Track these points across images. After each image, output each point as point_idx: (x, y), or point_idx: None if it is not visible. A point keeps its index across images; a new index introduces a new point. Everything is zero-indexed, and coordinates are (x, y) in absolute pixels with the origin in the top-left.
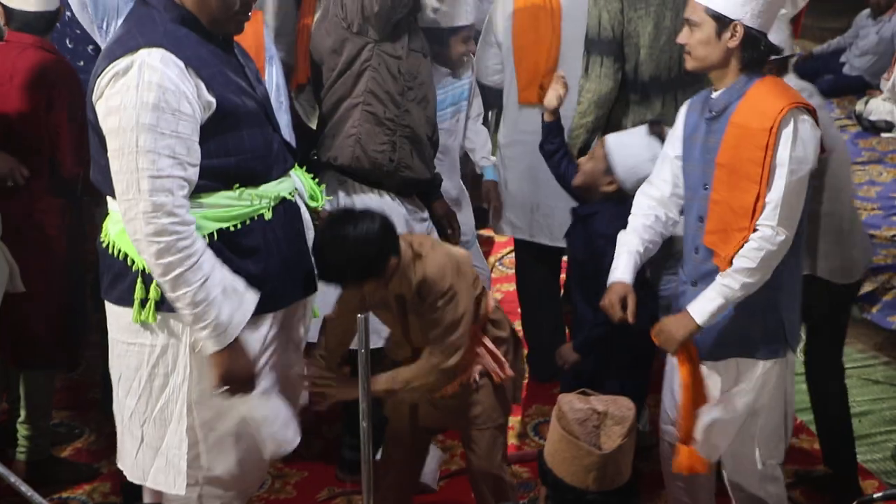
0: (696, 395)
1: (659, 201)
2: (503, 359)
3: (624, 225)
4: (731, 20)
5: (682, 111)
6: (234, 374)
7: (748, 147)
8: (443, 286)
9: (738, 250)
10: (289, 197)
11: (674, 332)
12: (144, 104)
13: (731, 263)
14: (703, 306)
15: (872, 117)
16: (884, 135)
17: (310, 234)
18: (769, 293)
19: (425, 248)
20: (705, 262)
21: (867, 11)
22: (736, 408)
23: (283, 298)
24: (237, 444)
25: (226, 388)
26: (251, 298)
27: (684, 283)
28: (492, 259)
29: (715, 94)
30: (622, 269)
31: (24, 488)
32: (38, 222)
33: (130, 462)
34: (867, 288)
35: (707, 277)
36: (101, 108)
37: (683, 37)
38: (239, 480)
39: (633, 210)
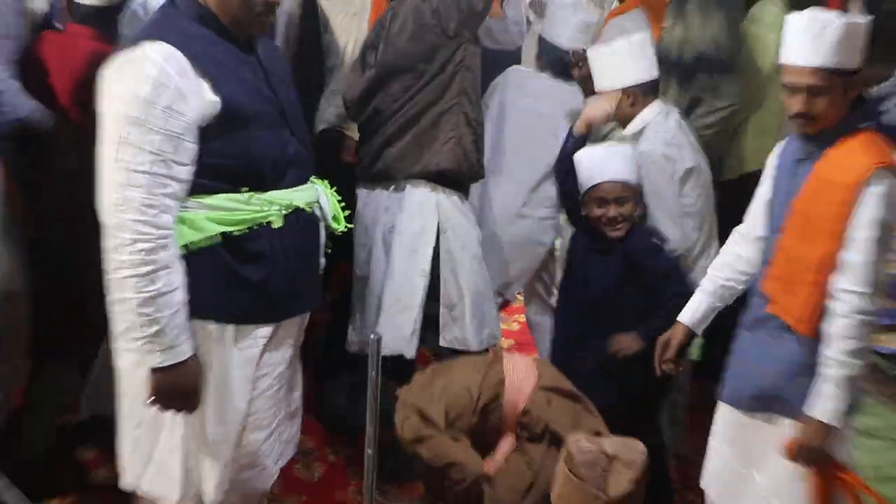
0: None
1: (744, 238)
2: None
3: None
4: (854, 70)
5: (776, 151)
6: (173, 392)
7: (827, 199)
8: None
9: (806, 309)
10: (305, 208)
11: (815, 445)
12: (136, 96)
13: (806, 325)
14: (828, 406)
15: None
16: None
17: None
18: None
19: None
20: (760, 308)
21: None
22: None
23: (283, 311)
24: (232, 464)
25: (157, 401)
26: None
27: (740, 327)
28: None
29: (805, 138)
30: (686, 309)
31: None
32: None
33: (126, 466)
34: None
35: (760, 325)
36: (102, 93)
37: (800, 106)
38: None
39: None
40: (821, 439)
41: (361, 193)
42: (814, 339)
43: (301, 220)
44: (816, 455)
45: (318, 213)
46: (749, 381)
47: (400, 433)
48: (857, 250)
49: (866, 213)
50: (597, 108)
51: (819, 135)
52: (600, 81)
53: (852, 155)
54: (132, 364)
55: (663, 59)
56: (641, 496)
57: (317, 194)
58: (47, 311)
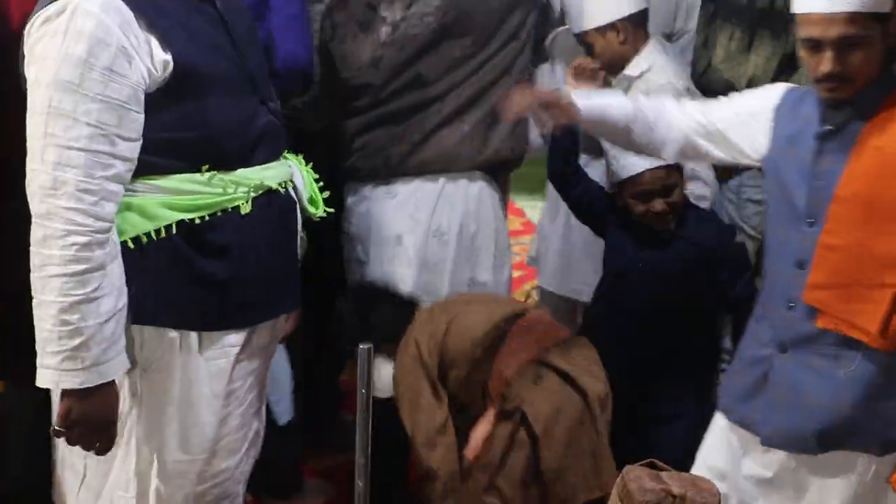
0: None
1: (688, 114)
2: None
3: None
4: (889, 13)
5: (775, 96)
6: (88, 423)
7: None
8: None
9: (880, 318)
10: (278, 189)
11: None
12: (68, 56)
13: (884, 337)
14: None
15: None
16: None
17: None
18: None
19: None
20: (805, 323)
21: None
22: None
23: (256, 314)
24: (197, 499)
25: (66, 433)
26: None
27: (766, 346)
28: (527, 286)
29: (831, 105)
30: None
31: None
32: None
33: (70, 502)
34: None
35: (807, 344)
36: (28, 54)
37: (831, 66)
38: None
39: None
40: None
41: (371, 190)
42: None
43: (274, 203)
44: None
45: (292, 194)
46: (810, 416)
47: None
48: None
49: None
50: (578, 73)
51: (856, 98)
52: (584, 22)
53: None
54: (52, 384)
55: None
56: None
57: (290, 172)
58: None
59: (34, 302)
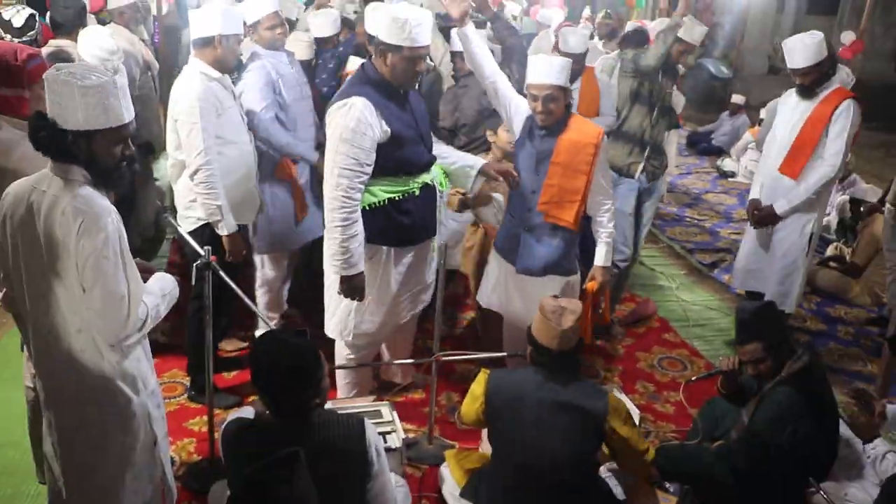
0: None
1: None
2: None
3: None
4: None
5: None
6: (352, 288)
7: None
8: None
9: (574, 215)
10: (430, 182)
11: None
12: (346, 127)
13: (572, 224)
14: None
15: (725, 168)
16: (729, 178)
17: (439, 203)
18: None
19: None
20: (537, 217)
21: (727, 111)
22: None
23: (419, 238)
24: (381, 327)
25: (345, 293)
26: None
27: (517, 228)
28: None
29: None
30: None
31: None
32: None
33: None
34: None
35: (537, 227)
36: (329, 124)
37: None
38: None
39: None
40: None
41: None
42: (575, 231)
43: (427, 189)
44: None
45: (435, 184)
46: (538, 259)
47: None
48: None
49: None
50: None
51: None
52: None
53: None
54: (338, 273)
55: None
56: (578, 329)
57: (436, 175)
58: None
59: (332, 241)
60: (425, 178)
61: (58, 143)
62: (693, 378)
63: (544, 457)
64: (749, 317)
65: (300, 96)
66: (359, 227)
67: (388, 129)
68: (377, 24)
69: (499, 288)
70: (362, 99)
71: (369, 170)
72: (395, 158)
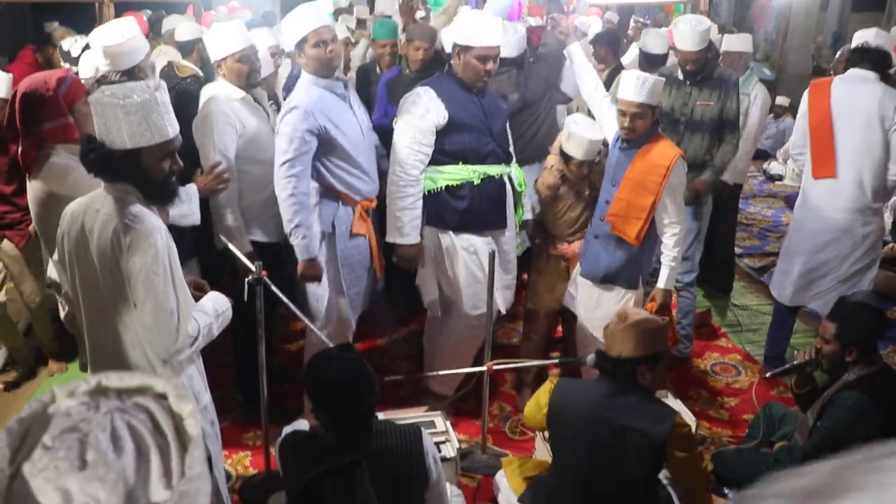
0: None
1: None
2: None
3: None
4: None
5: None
6: (405, 258)
7: None
8: None
9: (637, 232)
10: (495, 175)
11: None
12: (413, 113)
13: (635, 239)
14: None
15: (772, 172)
16: (777, 182)
17: (509, 202)
18: None
19: None
20: (605, 227)
21: (772, 114)
22: None
23: (477, 226)
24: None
25: (400, 263)
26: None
27: (589, 235)
28: None
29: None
30: None
31: None
32: None
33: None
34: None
35: (604, 236)
36: (400, 110)
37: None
38: None
39: None
40: None
41: None
42: (639, 248)
43: (493, 181)
44: None
45: (505, 180)
46: (601, 267)
47: None
48: None
49: None
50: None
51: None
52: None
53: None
54: (396, 241)
55: None
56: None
57: (507, 170)
58: None
59: (392, 213)
60: (488, 169)
61: (107, 163)
62: (767, 374)
63: (604, 474)
64: (845, 302)
65: (358, 134)
66: (414, 202)
67: (447, 114)
68: (456, 30)
69: (573, 288)
70: (426, 87)
71: (428, 150)
72: (455, 143)
